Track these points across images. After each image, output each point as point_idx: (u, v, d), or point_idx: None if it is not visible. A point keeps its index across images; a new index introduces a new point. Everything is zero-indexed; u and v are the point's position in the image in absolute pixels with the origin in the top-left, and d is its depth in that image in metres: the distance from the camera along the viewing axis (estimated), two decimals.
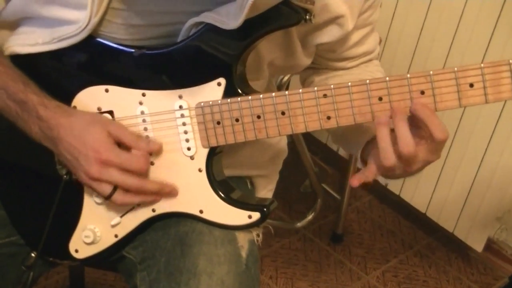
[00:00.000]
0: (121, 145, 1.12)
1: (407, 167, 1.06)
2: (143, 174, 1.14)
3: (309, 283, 2.43)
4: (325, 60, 1.34)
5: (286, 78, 2.24)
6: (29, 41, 1.18)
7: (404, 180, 2.60)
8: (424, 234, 2.75)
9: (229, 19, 1.05)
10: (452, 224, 2.51)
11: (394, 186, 2.68)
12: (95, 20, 1.11)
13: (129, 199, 1.14)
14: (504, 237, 2.54)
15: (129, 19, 1.13)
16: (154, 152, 1.14)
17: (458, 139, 2.37)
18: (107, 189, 1.11)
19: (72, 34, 1.14)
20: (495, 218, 2.45)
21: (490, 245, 2.57)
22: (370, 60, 1.39)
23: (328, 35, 1.23)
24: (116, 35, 1.15)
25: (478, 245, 2.47)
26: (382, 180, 2.69)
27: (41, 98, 1.12)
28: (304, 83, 1.44)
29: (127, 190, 1.12)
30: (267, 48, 1.18)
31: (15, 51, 1.19)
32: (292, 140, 2.36)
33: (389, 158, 1.03)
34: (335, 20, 1.20)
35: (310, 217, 2.73)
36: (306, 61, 1.28)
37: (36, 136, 1.14)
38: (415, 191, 2.60)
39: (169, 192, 1.16)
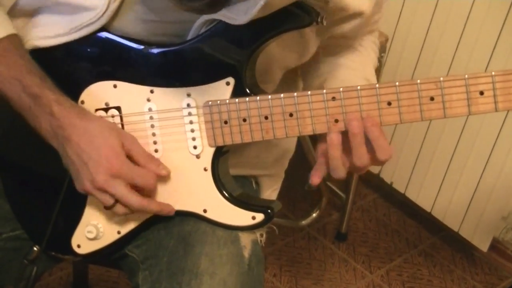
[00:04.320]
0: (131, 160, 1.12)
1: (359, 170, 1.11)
2: (149, 191, 1.14)
3: (313, 281, 2.43)
4: (330, 40, 1.32)
5: None
6: (49, 33, 1.17)
7: (410, 179, 2.60)
8: (429, 233, 2.74)
9: (239, 15, 1.05)
10: (457, 224, 2.50)
11: (399, 184, 2.67)
12: (114, 5, 1.11)
13: (129, 212, 1.14)
14: (510, 237, 2.53)
15: (143, 14, 1.13)
16: (161, 176, 1.14)
17: (465, 138, 2.36)
18: (109, 200, 1.11)
19: (90, 21, 1.13)
20: (500, 217, 2.44)
21: (495, 245, 2.56)
22: (371, 31, 1.39)
23: (348, 26, 1.23)
24: (129, 30, 1.14)
25: (483, 245, 2.46)
26: (387, 178, 2.69)
27: (56, 95, 1.11)
28: None
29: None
30: (279, 48, 1.18)
31: (35, 44, 1.18)
32: (297, 138, 2.35)
33: (339, 171, 1.08)
34: (355, 16, 1.21)
35: (314, 215, 2.73)
36: (314, 50, 1.28)
37: (45, 133, 1.13)
38: (420, 190, 2.59)
39: (167, 213, 1.16)
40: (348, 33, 1.27)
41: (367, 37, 1.39)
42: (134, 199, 1.11)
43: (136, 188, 1.12)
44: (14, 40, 1.17)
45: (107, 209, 1.13)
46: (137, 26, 1.14)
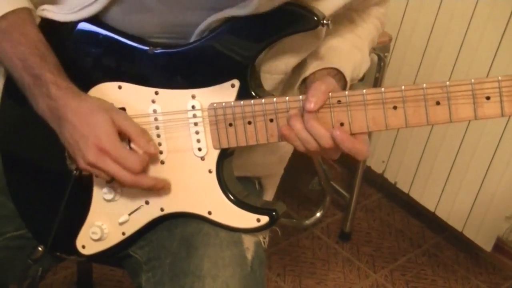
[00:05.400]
0: (124, 137, 1.11)
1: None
2: (137, 173, 1.13)
3: (317, 281, 2.43)
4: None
5: None
6: (57, 9, 1.18)
7: (414, 179, 2.60)
8: (433, 233, 2.74)
9: (244, 9, 1.05)
10: (461, 223, 2.50)
11: (403, 184, 2.67)
12: None
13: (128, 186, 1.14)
14: None
15: (149, 1, 1.12)
16: (150, 155, 1.13)
17: (468, 138, 2.37)
18: (105, 176, 1.12)
19: (89, 2, 1.13)
20: (504, 217, 2.44)
21: (499, 245, 2.55)
22: (378, 3, 1.37)
23: (354, 2, 1.23)
24: (134, 18, 1.14)
25: (487, 245, 2.46)
26: (391, 178, 2.69)
27: (55, 77, 1.12)
28: None
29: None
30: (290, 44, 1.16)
31: (44, 14, 1.19)
32: None
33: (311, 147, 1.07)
34: None
35: (318, 215, 2.73)
36: None
37: (42, 113, 1.13)
38: (424, 190, 2.59)
39: (162, 188, 1.15)
40: (354, 7, 1.27)
41: (371, 9, 1.36)
42: (124, 174, 1.10)
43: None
44: (23, 15, 1.17)
45: (109, 183, 1.14)
46: (143, 15, 1.14)
